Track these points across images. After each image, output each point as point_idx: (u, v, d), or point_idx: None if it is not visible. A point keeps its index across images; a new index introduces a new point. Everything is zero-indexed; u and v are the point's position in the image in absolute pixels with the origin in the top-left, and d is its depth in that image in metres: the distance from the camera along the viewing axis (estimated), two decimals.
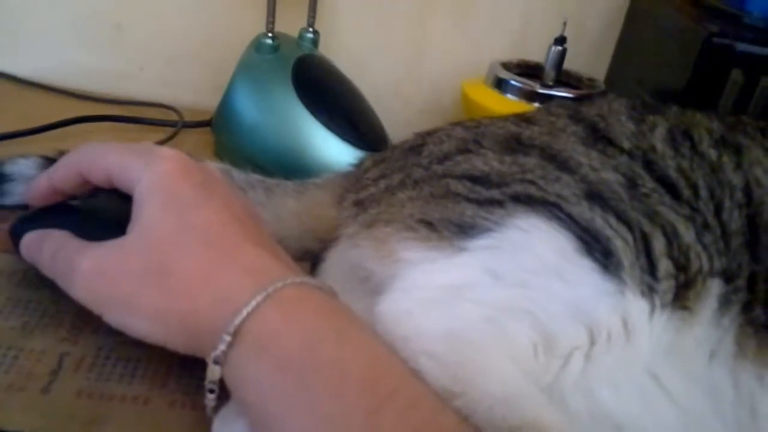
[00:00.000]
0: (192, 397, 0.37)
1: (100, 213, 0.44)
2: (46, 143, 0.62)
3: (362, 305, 0.38)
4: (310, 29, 0.72)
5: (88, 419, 0.35)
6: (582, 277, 0.36)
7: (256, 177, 0.54)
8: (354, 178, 0.50)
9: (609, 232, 0.37)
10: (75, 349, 0.40)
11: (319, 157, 0.62)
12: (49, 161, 0.52)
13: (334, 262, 0.46)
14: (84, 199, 0.44)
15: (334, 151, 0.62)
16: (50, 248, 0.40)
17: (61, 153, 0.53)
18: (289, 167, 0.62)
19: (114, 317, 0.36)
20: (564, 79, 0.71)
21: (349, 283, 0.42)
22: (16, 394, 0.36)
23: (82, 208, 0.44)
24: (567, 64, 0.70)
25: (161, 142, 0.67)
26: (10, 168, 0.52)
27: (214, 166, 0.53)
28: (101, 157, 0.41)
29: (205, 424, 0.34)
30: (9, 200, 0.51)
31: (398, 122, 0.69)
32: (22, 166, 0.52)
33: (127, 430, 0.35)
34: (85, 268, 0.37)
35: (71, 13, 0.79)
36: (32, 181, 0.44)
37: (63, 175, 0.42)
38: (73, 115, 0.68)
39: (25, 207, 0.46)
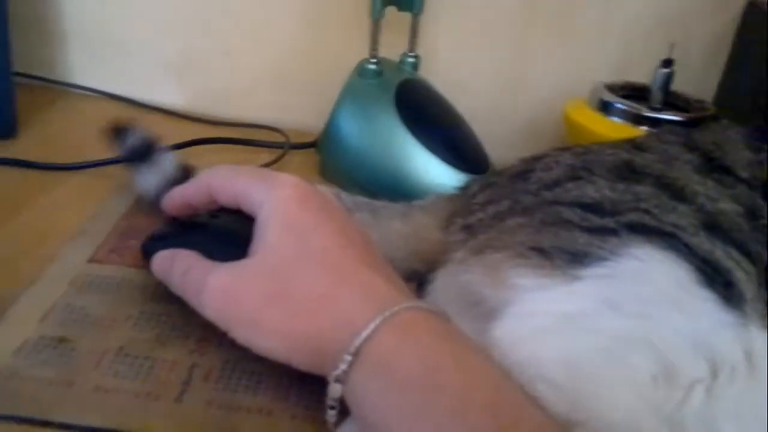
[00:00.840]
0: (312, 411, 0.39)
1: (224, 232, 0.46)
2: None
3: (472, 328, 0.39)
4: (411, 53, 0.74)
5: (219, 428, 0.38)
6: (702, 308, 0.35)
7: (362, 199, 0.56)
8: (461, 202, 0.51)
9: (730, 264, 0.36)
10: (203, 360, 0.42)
11: (421, 179, 0.64)
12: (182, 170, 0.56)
13: (443, 284, 0.47)
14: (209, 217, 0.47)
15: (436, 173, 0.64)
16: (180, 267, 0.42)
17: (185, 167, 0.56)
18: (392, 188, 0.64)
19: (240, 334, 0.39)
20: (671, 101, 0.69)
21: (459, 306, 0.43)
22: (153, 402, 0.39)
23: (208, 227, 0.47)
24: (673, 87, 0.69)
25: (269, 163, 0.71)
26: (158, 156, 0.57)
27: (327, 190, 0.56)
28: (230, 180, 0.44)
29: None
30: (145, 180, 0.56)
31: (497, 143, 0.70)
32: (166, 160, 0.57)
33: None
34: (214, 287, 0.39)
35: (186, 41, 0.84)
36: (170, 192, 0.48)
37: (195, 192, 0.46)
38: (188, 136, 0.72)
39: (154, 219, 0.50)
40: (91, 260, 0.51)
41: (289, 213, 0.40)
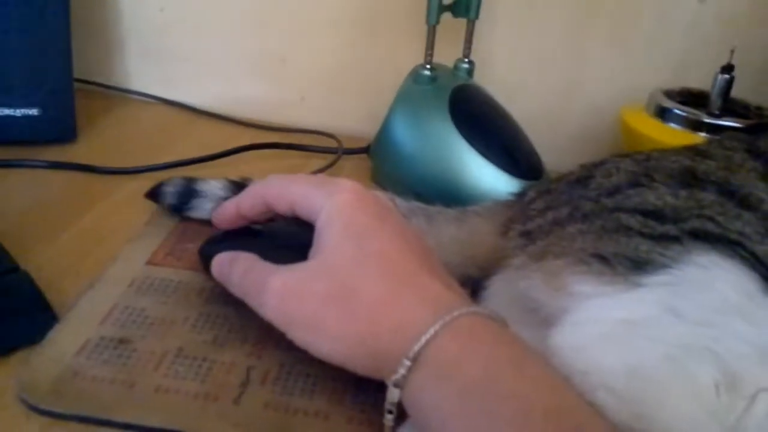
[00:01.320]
0: (368, 415, 0.39)
1: (281, 238, 0.47)
2: (220, 168, 0.68)
3: (530, 335, 0.38)
4: (466, 59, 0.74)
5: (276, 430, 0.38)
6: (767, 317, 0.34)
7: (417, 204, 0.56)
8: (518, 208, 0.51)
9: None
10: (260, 362, 0.42)
11: (475, 185, 0.63)
12: (235, 185, 0.57)
13: (499, 290, 0.47)
14: (265, 224, 0.48)
15: (490, 179, 0.63)
16: (240, 269, 0.43)
17: (244, 180, 0.57)
18: (445, 194, 0.63)
19: (299, 336, 0.39)
20: (730, 107, 0.68)
21: (516, 312, 0.43)
22: (211, 404, 0.39)
23: (265, 233, 0.48)
24: (732, 93, 0.68)
25: (322, 168, 0.71)
26: (201, 186, 0.58)
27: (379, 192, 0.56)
28: (286, 189, 0.44)
29: None
30: (198, 214, 0.57)
31: (553, 149, 0.69)
32: (213, 187, 0.57)
33: None
34: (275, 287, 0.39)
35: (242, 48, 0.86)
36: (221, 205, 0.48)
37: (250, 203, 0.46)
38: (243, 141, 0.73)
39: (210, 224, 0.50)
40: (149, 263, 0.52)
41: (348, 217, 0.40)
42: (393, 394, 0.34)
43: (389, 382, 0.34)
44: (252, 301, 0.41)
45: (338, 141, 0.77)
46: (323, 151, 0.76)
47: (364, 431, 0.39)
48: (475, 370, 0.33)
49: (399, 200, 0.56)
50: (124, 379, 0.40)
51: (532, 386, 0.33)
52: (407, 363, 0.34)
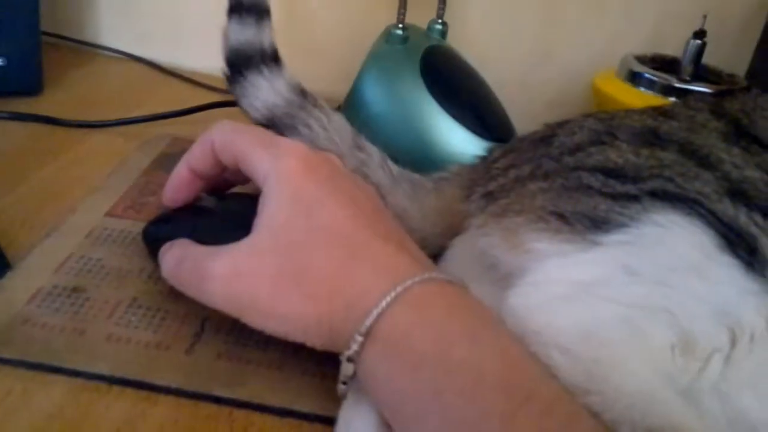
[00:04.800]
0: (322, 368, 0.39)
1: (231, 214, 0.44)
2: (187, 126, 0.67)
3: (488, 291, 0.38)
4: (440, 21, 0.73)
5: (228, 380, 0.38)
6: (724, 275, 0.34)
7: (404, 171, 0.54)
8: (481, 168, 0.50)
9: (754, 230, 0.35)
10: (215, 313, 0.41)
11: (446, 147, 0.63)
12: None
13: (459, 249, 0.47)
14: (216, 201, 0.45)
15: (461, 141, 0.62)
16: (171, 261, 0.40)
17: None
18: (415, 155, 0.63)
19: (253, 320, 0.37)
20: (702, 74, 0.68)
21: (475, 270, 0.43)
22: (163, 353, 0.39)
23: (213, 210, 0.45)
24: (704, 60, 0.68)
25: None
26: None
27: (374, 149, 0.55)
28: (231, 140, 0.41)
29: (335, 393, 0.35)
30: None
31: (524, 114, 0.69)
32: None
33: (263, 393, 0.37)
34: (221, 272, 0.37)
35: (217, 8, 0.83)
36: (172, 174, 0.44)
37: (199, 153, 0.43)
38: (216, 99, 0.72)
39: None
40: (109, 214, 0.51)
41: (296, 186, 0.38)
42: (347, 369, 0.34)
43: (343, 357, 0.34)
44: (193, 292, 0.38)
45: None
46: None
47: (318, 384, 0.39)
48: (425, 342, 0.32)
49: (390, 163, 0.54)
50: (75, 327, 0.40)
51: (483, 356, 0.32)
52: (359, 339, 0.33)
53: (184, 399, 0.37)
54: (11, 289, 0.42)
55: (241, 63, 0.59)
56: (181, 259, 0.39)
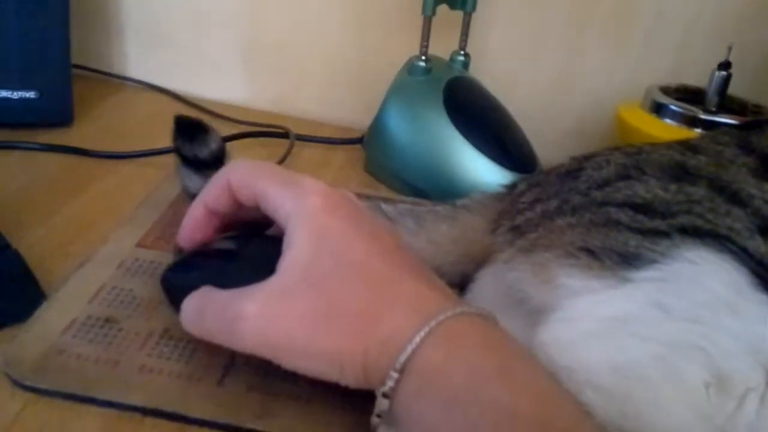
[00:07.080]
0: (351, 402, 0.39)
1: (249, 256, 0.42)
2: None
3: (516, 325, 0.38)
4: (462, 52, 0.74)
5: (259, 413, 0.38)
6: (757, 312, 0.34)
7: (405, 207, 0.54)
8: (508, 201, 0.50)
9: None
10: None
11: (468, 177, 0.63)
12: None
13: (487, 282, 0.47)
14: (236, 243, 0.43)
15: (483, 172, 0.63)
16: (194, 307, 0.39)
17: None
18: (438, 185, 0.64)
19: (288, 360, 0.36)
20: (727, 105, 0.68)
21: (503, 304, 0.42)
22: (195, 384, 0.39)
23: (231, 252, 0.43)
24: (729, 90, 0.68)
25: (315, 159, 0.71)
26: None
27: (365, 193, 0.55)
28: (251, 178, 0.41)
29: (365, 426, 0.36)
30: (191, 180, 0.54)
31: (547, 144, 0.70)
32: None
33: (293, 425, 0.38)
34: (254, 313, 0.35)
35: (240, 38, 0.86)
36: (186, 214, 0.44)
37: (216, 192, 0.42)
38: (237, 131, 0.73)
39: None
40: (139, 245, 0.52)
41: (321, 225, 0.37)
42: (383, 404, 0.34)
43: (378, 393, 0.34)
44: (223, 337, 0.37)
45: (332, 130, 0.78)
46: (317, 140, 0.77)
47: (346, 418, 0.39)
48: (459, 378, 0.32)
49: (385, 205, 0.53)
50: (108, 358, 0.40)
51: (517, 393, 0.32)
52: (395, 375, 0.33)
53: (216, 430, 0.37)
54: (47, 320, 0.42)
55: None
56: (204, 306, 0.38)
